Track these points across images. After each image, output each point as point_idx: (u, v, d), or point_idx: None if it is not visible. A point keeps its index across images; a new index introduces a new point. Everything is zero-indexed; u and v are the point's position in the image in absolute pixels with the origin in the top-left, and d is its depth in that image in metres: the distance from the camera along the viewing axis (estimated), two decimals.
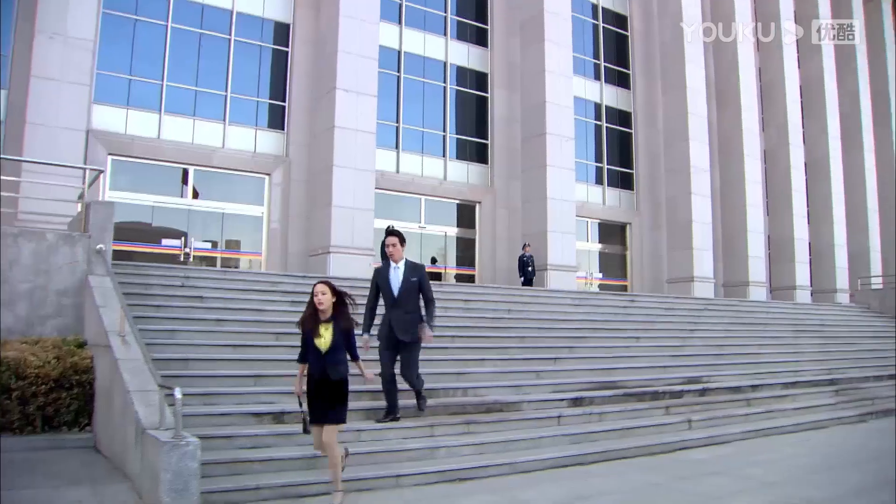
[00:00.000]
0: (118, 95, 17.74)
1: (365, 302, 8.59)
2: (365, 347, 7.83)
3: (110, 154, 16.98)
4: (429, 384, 9.65)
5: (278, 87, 19.95)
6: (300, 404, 6.64)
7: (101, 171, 11.04)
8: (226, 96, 19.15)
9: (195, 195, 18.38)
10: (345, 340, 6.64)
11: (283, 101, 19.83)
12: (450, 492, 7.34)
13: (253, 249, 19.19)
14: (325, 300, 6.51)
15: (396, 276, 8.50)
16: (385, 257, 19.40)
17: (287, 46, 19.99)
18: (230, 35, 19.34)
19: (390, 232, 8.61)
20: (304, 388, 6.62)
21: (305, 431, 6.64)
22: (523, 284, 19.56)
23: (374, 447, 7.85)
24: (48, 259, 9.47)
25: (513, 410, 9.70)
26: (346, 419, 6.72)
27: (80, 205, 11.70)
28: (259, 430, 7.78)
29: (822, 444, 10.71)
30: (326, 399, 6.46)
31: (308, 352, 6.57)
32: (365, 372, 7.04)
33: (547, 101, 21.58)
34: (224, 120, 19.05)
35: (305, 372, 6.62)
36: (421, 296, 8.57)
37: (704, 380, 12.70)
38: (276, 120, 19.81)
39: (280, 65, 20.01)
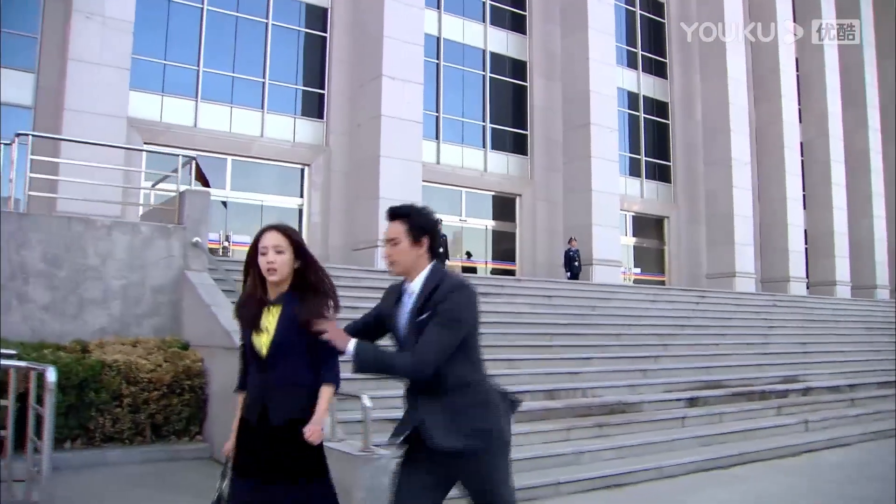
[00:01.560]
0: (153, 81, 16.92)
1: None
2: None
3: (146, 143, 16.12)
4: (548, 385, 9.44)
5: (317, 73, 19.15)
6: (222, 474, 3.41)
7: (193, 159, 10.24)
8: (264, 83, 18.35)
9: (205, 183, 17.30)
10: (304, 341, 3.19)
11: (322, 88, 19.04)
12: (612, 499, 6.96)
13: None
14: (281, 263, 3.17)
15: (404, 307, 3.41)
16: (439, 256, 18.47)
17: (325, 31, 19.18)
18: (267, 19, 18.53)
19: (390, 213, 3.48)
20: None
21: None
22: (569, 279, 18.96)
23: (523, 453, 7.24)
24: (143, 253, 8.68)
25: (635, 411, 9.29)
26: None
27: (151, 194, 11.01)
28: None
29: None
30: (267, 460, 3.15)
31: (247, 364, 3.32)
32: (313, 427, 3.11)
33: (591, 90, 20.92)
34: (262, 108, 18.25)
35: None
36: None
37: (801, 378, 12.30)
38: (315, 108, 19.02)
39: (318, 51, 19.21)
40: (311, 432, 3.08)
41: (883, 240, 27.96)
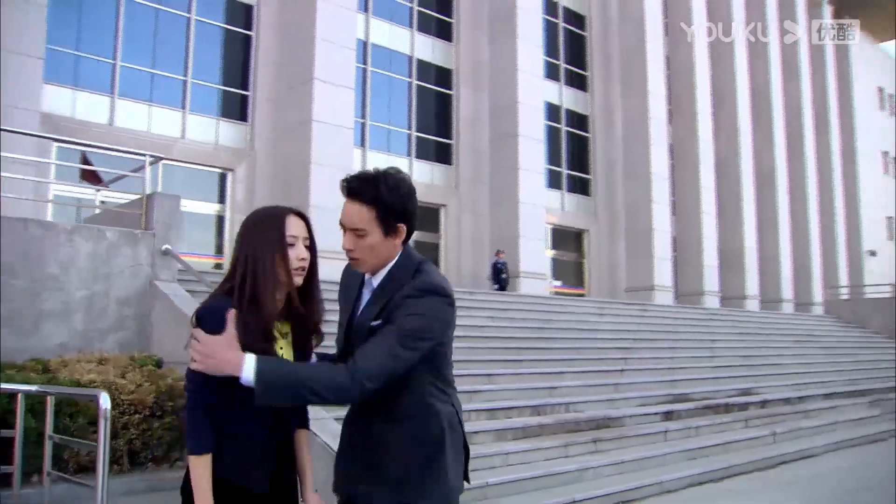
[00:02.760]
0: (65, 74, 15.57)
1: None
2: None
3: (57, 141, 14.82)
4: (533, 401, 9.37)
5: (242, 74, 18.18)
6: None
7: (162, 159, 9.39)
8: (185, 81, 17.26)
9: (97, 180, 15.73)
10: None
11: (247, 89, 18.10)
12: None
13: (215, 252, 17.44)
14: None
15: (363, 300, 2.46)
16: None
17: (251, 30, 18.27)
18: (189, 13, 17.46)
19: (348, 188, 2.34)
20: None
21: None
22: (496, 291, 18.76)
23: (533, 471, 7.31)
24: (108, 262, 7.76)
25: (620, 426, 9.32)
26: None
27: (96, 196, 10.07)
28: None
29: None
30: None
31: (235, 410, 2.19)
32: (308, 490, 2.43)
33: (519, 102, 20.72)
34: (184, 108, 17.16)
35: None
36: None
37: (755, 391, 12.56)
38: (240, 110, 18.03)
39: (243, 50, 18.23)
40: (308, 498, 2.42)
41: (788, 255, 28.86)
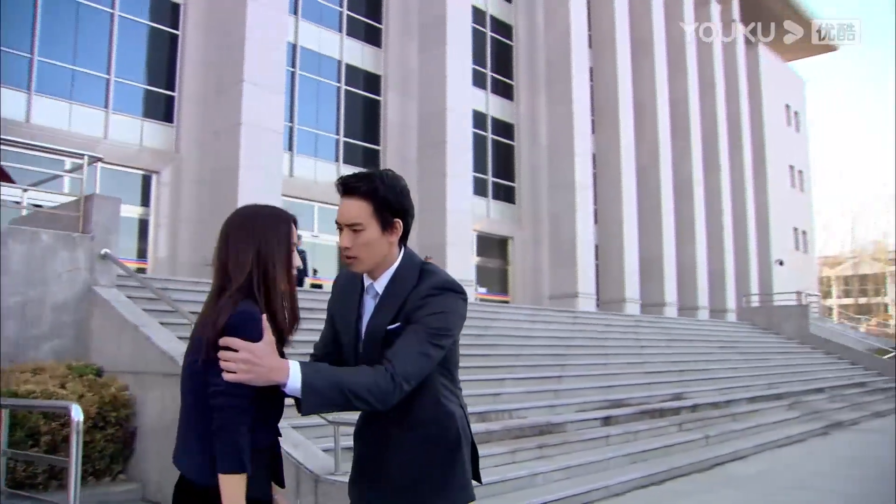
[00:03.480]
0: None
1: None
2: None
3: None
4: (480, 407, 9.35)
5: (168, 74, 17.69)
6: None
7: (100, 159, 9.01)
8: (108, 80, 16.69)
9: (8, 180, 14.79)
10: None
11: (173, 90, 17.61)
12: None
13: (137, 257, 16.87)
14: None
15: (364, 311, 2.40)
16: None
17: (177, 29, 17.80)
18: (113, 9, 16.87)
19: (344, 185, 2.31)
20: None
21: None
22: None
23: (486, 477, 7.10)
24: (44, 266, 7.41)
25: (562, 432, 9.47)
26: None
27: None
28: None
29: (827, 455, 11.20)
30: None
31: (270, 413, 2.14)
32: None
33: (448, 109, 20.81)
34: (106, 107, 16.58)
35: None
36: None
37: (685, 396, 12.91)
38: (165, 111, 17.54)
39: (169, 49, 17.74)
40: None
41: (704, 264, 29.74)
